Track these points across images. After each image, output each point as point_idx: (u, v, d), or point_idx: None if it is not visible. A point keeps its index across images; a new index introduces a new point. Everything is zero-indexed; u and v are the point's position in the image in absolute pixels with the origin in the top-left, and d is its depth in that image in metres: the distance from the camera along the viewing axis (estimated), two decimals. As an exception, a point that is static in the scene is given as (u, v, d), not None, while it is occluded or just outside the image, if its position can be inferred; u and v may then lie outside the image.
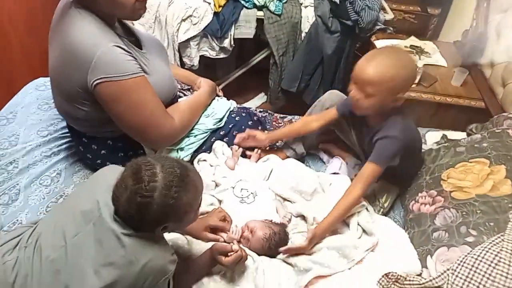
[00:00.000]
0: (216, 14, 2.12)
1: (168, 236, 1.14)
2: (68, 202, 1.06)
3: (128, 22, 1.38)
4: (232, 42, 2.23)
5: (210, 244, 1.18)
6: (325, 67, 2.34)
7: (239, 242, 1.22)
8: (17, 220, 1.28)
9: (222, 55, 2.29)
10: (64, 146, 1.55)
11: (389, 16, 2.31)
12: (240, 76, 2.58)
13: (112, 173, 1.01)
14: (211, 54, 2.29)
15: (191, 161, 1.47)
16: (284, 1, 2.22)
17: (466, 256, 1.11)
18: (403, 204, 1.50)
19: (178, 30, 2.15)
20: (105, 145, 1.40)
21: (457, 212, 1.26)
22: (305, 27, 2.23)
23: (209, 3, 2.11)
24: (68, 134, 1.57)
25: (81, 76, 1.16)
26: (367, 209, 1.33)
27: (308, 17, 2.21)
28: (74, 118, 1.32)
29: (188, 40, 2.19)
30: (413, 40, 2.21)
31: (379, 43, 2.18)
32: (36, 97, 1.72)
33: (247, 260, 1.17)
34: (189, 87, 1.65)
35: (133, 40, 1.32)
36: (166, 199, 0.86)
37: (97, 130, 1.36)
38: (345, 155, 1.63)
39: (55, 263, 0.93)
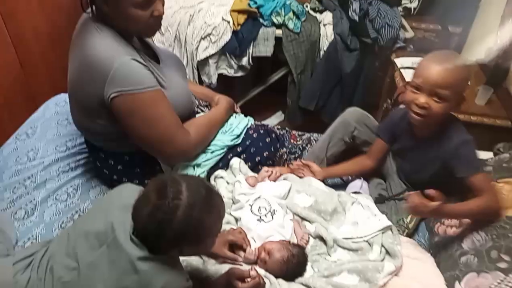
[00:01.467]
0: (235, 32, 2.13)
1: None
2: (81, 222, 1.04)
3: (146, 37, 1.39)
4: (251, 61, 2.23)
5: (226, 266, 1.15)
6: (344, 85, 2.32)
7: (255, 263, 1.18)
8: (32, 236, 1.27)
9: (240, 73, 2.30)
10: (81, 161, 1.55)
11: (409, 34, 2.28)
12: (257, 95, 2.58)
13: (127, 192, 1.00)
14: (229, 72, 2.29)
15: (207, 177, 1.45)
16: (303, 19, 2.22)
17: (499, 283, 1.04)
18: (427, 227, 1.43)
19: (197, 48, 2.17)
20: (122, 160, 1.40)
21: (487, 235, 1.19)
22: (324, 45, 2.22)
23: (228, 22, 2.13)
24: (86, 150, 1.58)
25: (98, 89, 1.16)
26: (391, 230, 1.27)
27: (327, 35, 2.20)
28: (91, 132, 1.33)
29: (207, 58, 2.21)
30: (434, 58, 2.17)
31: (400, 61, 2.14)
32: (55, 112, 1.74)
33: (264, 284, 1.12)
34: (207, 103, 1.64)
35: (151, 53, 1.32)
36: (188, 218, 0.84)
37: (114, 145, 1.35)
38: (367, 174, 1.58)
39: (67, 285, 0.91)
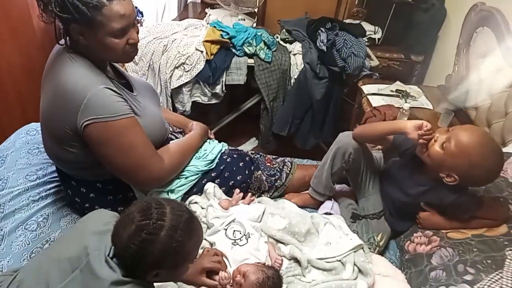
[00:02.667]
0: (208, 61, 2.19)
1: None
2: (52, 249, 1.02)
3: (119, 66, 1.42)
4: (224, 88, 2.28)
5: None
6: (314, 112, 2.39)
7: (231, 286, 1.17)
8: (-2, 269, 1.22)
9: (214, 101, 2.34)
10: (52, 190, 1.52)
11: (375, 62, 2.41)
12: (231, 122, 2.62)
13: (102, 217, 1.01)
14: (203, 100, 2.33)
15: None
16: (273, 49, 2.31)
17: (465, 295, 1.08)
18: (398, 245, 1.47)
19: (171, 77, 2.21)
20: (94, 188, 1.39)
21: (454, 251, 1.24)
22: (294, 73, 2.30)
23: (202, 51, 2.18)
24: (57, 178, 1.55)
25: (71, 117, 1.16)
26: (363, 249, 1.30)
27: (297, 64, 2.29)
28: (63, 161, 1.32)
29: (181, 86, 2.24)
30: (398, 85, 2.29)
31: (366, 88, 2.24)
32: (26, 141, 1.71)
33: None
34: (181, 130, 1.66)
35: (124, 83, 1.34)
36: (171, 241, 0.85)
37: (86, 173, 1.35)
38: (338, 194, 1.62)
39: None
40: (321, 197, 1.58)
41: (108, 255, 0.89)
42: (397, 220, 1.47)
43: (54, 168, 1.59)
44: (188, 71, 2.19)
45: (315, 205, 1.61)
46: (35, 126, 1.80)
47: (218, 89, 2.27)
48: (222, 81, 2.25)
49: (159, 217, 0.85)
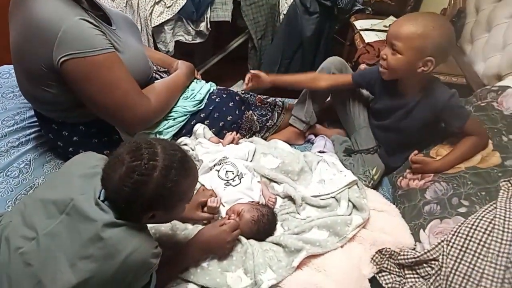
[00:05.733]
0: (191, -5, 2.04)
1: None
2: (38, 193, 0.97)
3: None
4: (209, 26, 2.15)
5: (196, 230, 1.12)
6: (304, 50, 2.30)
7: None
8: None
9: (198, 40, 2.22)
10: (32, 135, 1.45)
11: (367, -4, 2.29)
12: (218, 64, 2.51)
13: (89, 160, 0.96)
14: (187, 39, 2.20)
15: (170, 145, 1.39)
16: (261, -18, 2.16)
17: (460, 226, 1.09)
18: (390, 181, 1.47)
19: (151, 13, 2.06)
20: (77, 131, 1.31)
21: (448, 185, 1.24)
22: (283, 8, 2.18)
23: (183, -16, 2.02)
24: (37, 123, 1.47)
25: (46, 53, 1.06)
26: (357, 184, 1.29)
27: (286, -2, 2.16)
28: (41, 102, 1.23)
29: (162, 24, 2.10)
30: (392, 20, 2.19)
31: (359, 24, 2.15)
32: (-1, 85, 1.60)
33: (236, 244, 1.12)
34: (166, 69, 1.56)
35: (101, 15, 1.22)
36: (165, 181, 0.81)
37: (67, 115, 1.27)
38: (330, 132, 1.60)
39: (25, 256, 0.85)
40: (301, 125, 1.56)
41: (99, 198, 0.84)
42: (389, 155, 1.46)
43: (32, 112, 1.50)
44: (169, 6, 2.04)
45: (297, 139, 1.59)
46: (7, 69, 1.68)
47: (202, 26, 2.13)
48: (207, 18, 2.12)
49: (151, 157, 0.81)
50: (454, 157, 1.28)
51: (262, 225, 1.16)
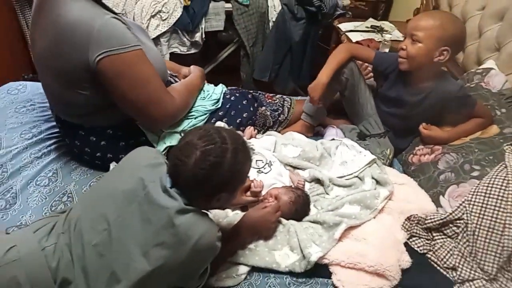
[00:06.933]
0: (185, 8, 2.11)
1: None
2: (103, 185, 1.00)
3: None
4: (203, 36, 2.23)
5: (236, 216, 1.18)
6: (293, 55, 2.43)
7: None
8: (21, 223, 1.17)
9: (193, 50, 2.29)
10: (53, 146, 1.45)
11: (346, 1, 2.46)
12: (209, 74, 2.57)
13: (148, 152, 1.01)
14: (182, 50, 2.27)
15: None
16: (250, -8, 2.28)
17: (477, 186, 1.21)
18: (400, 160, 1.59)
19: (147, 27, 2.12)
20: (104, 135, 1.34)
21: (457, 154, 1.37)
22: (272, 16, 2.30)
23: (178, -3, 2.10)
24: (55, 135, 1.49)
25: (81, 54, 1.10)
26: (376, 163, 1.39)
27: (274, 5, 2.28)
28: (74, 106, 1.25)
29: (158, 37, 2.16)
30: (371, 22, 2.37)
31: (343, 26, 2.30)
32: (10, 101, 1.59)
33: (278, 226, 1.18)
34: (175, 75, 1.62)
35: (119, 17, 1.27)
36: (235, 162, 0.88)
37: (97, 118, 1.29)
38: (337, 122, 1.70)
39: (98, 248, 0.87)
40: (313, 120, 1.65)
41: (169, 187, 0.89)
42: (397, 138, 1.57)
43: (47, 125, 1.53)
44: (165, 19, 2.11)
45: (307, 132, 1.67)
46: (16, 85, 1.68)
47: (197, 37, 2.21)
48: (202, 28, 2.20)
49: (223, 141, 0.87)
50: (462, 130, 1.43)
51: (300, 205, 1.23)
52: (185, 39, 2.22)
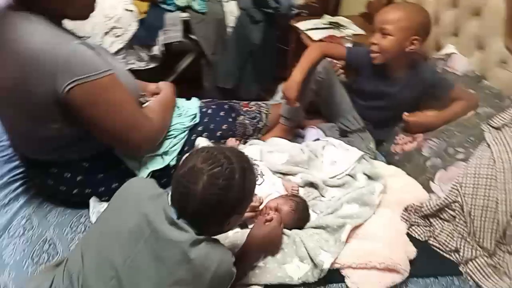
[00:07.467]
0: (141, 21, 2.01)
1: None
2: (101, 227, 0.90)
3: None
4: (162, 49, 2.14)
5: (236, 236, 1.13)
6: (255, 59, 2.40)
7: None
8: (0, 285, 1.04)
9: (152, 64, 2.18)
10: (20, 189, 1.31)
11: (300, 0, 2.47)
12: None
13: (145, 183, 0.94)
14: (140, 65, 2.16)
15: (178, 164, 1.37)
16: (206, -1, 2.22)
17: (466, 167, 1.25)
18: (383, 152, 1.61)
19: (100, 45, 1.98)
20: (80, 169, 1.23)
21: (439, 139, 1.41)
22: (230, 21, 2.25)
23: (131, 11, 1.99)
24: (20, 176, 1.35)
25: (48, 84, 1.00)
26: (364, 158, 1.40)
27: (231, 11, 2.24)
28: (45, 141, 1.13)
29: (114, 54, 2.04)
30: (328, 18, 2.39)
31: (302, 25, 2.30)
32: (-38, 145, 1.42)
33: (283, 238, 1.14)
34: (144, 93, 1.53)
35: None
36: (245, 181, 0.83)
37: (71, 151, 1.18)
38: (314, 122, 1.69)
39: None
40: (292, 123, 1.63)
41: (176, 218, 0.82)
42: (376, 129, 1.59)
43: (9, 166, 1.39)
44: (120, 36, 2.00)
45: (287, 135, 1.63)
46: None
47: (156, 50, 2.12)
48: (159, 41, 2.10)
49: (229, 161, 0.82)
50: (447, 114, 1.46)
51: (300, 212, 1.20)
52: (143, 54, 2.11)
